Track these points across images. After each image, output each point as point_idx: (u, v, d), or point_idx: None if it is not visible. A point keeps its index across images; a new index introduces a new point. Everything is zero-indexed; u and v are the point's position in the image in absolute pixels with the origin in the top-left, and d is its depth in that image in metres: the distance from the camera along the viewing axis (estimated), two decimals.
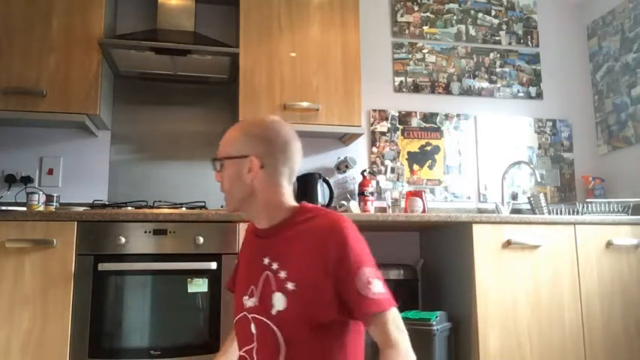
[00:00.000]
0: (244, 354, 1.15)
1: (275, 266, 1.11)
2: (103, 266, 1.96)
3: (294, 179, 1.21)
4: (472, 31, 3.21)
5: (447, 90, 3.12)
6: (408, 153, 3.00)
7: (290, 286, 1.06)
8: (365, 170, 2.78)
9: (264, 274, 1.12)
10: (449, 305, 2.43)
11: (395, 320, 1.05)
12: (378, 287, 1.04)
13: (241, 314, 1.17)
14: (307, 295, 1.04)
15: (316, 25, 2.63)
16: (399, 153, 2.99)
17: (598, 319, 2.30)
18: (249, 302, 1.14)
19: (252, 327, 1.12)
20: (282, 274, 1.08)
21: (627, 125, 2.98)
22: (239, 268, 1.30)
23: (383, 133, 2.99)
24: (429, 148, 3.04)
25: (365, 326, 1.07)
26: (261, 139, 1.15)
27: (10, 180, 2.52)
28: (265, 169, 1.14)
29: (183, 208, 2.33)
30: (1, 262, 1.90)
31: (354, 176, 2.90)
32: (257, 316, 1.11)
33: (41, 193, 2.32)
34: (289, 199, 1.17)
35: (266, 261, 1.13)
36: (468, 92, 3.14)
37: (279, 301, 1.07)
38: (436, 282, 2.62)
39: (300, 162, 1.21)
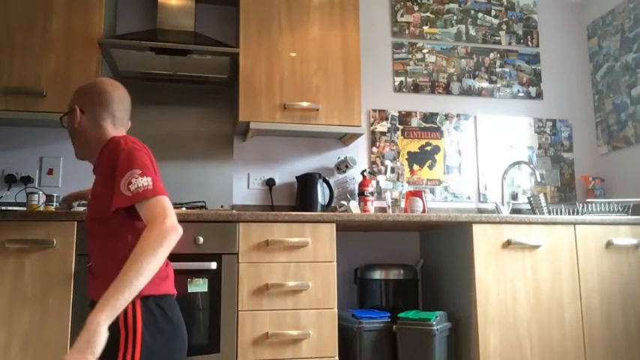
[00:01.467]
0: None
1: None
2: None
3: (122, 123, 1.47)
4: (472, 31, 3.21)
5: (447, 90, 3.12)
6: (408, 153, 3.00)
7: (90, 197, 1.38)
8: (365, 170, 2.78)
9: None
10: (449, 305, 2.43)
11: (152, 205, 1.23)
12: (137, 184, 1.24)
13: None
14: (95, 200, 1.33)
15: (316, 24, 2.63)
16: (399, 153, 2.99)
17: (598, 319, 2.30)
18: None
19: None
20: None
21: (627, 125, 2.98)
22: None
23: (383, 133, 2.99)
24: (429, 148, 3.04)
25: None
26: (82, 93, 1.45)
27: (10, 180, 2.52)
28: (86, 115, 1.43)
29: (183, 208, 2.33)
30: (1, 262, 1.90)
31: (354, 176, 2.90)
32: None
33: (41, 193, 2.32)
34: (108, 136, 1.41)
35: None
36: (468, 92, 3.14)
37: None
38: (436, 282, 2.62)
39: (124, 110, 1.47)
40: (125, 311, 1.18)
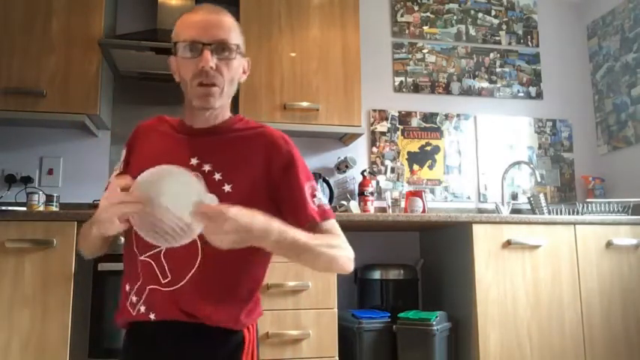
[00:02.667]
0: (147, 258, 1.05)
1: (207, 167, 1.06)
2: (103, 266, 1.96)
3: None
4: (472, 31, 3.21)
5: (447, 90, 3.12)
6: (408, 153, 3.00)
7: (227, 188, 1.04)
8: (365, 170, 2.78)
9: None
10: (449, 305, 2.43)
11: (337, 225, 1.12)
12: (323, 199, 1.13)
13: None
14: (242, 197, 1.02)
15: (316, 25, 2.63)
16: (399, 153, 2.99)
17: (598, 319, 2.30)
18: None
19: None
20: (217, 176, 1.05)
21: (627, 125, 2.98)
22: (141, 161, 1.10)
23: (383, 133, 2.99)
24: (429, 148, 3.04)
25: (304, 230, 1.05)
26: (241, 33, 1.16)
27: (10, 180, 2.51)
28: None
29: None
30: (1, 262, 1.90)
31: (354, 176, 2.90)
32: None
33: (41, 193, 2.32)
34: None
35: (194, 162, 1.07)
36: (468, 92, 3.14)
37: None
38: (436, 282, 2.62)
39: None
40: (248, 328, 1.08)
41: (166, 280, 1.02)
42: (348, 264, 1.08)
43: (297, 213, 1.08)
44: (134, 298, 1.06)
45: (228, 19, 1.12)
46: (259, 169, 1.08)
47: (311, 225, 1.07)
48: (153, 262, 1.04)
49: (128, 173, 1.06)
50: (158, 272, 1.03)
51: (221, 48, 1.07)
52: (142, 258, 1.06)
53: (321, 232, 1.07)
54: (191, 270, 1.02)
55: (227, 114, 1.17)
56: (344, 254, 1.07)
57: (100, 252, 1.16)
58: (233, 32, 1.10)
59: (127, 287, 1.08)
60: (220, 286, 1.04)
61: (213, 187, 1.01)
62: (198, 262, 1.02)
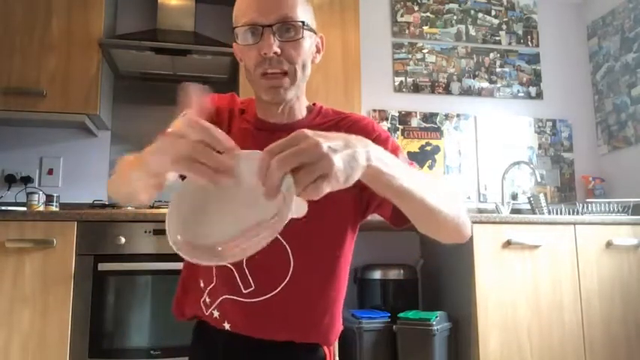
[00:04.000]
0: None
1: None
2: (103, 266, 1.96)
3: None
4: (472, 31, 3.21)
5: (447, 90, 3.12)
6: (408, 153, 3.00)
7: None
8: None
9: None
10: (449, 305, 2.43)
11: None
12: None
13: None
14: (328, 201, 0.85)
15: (316, 25, 2.63)
16: None
17: (598, 319, 2.30)
18: None
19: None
20: None
21: (627, 125, 2.98)
22: None
23: None
24: (429, 148, 3.04)
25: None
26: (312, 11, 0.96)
27: (10, 180, 2.51)
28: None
29: None
30: (1, 262, 1.90)
31: None
32: None
33: (41, 193, 2.32)
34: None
35: None
36: (468, 92, 3.14)
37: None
38: (436, 282, 2.62)
39: None
40: (329, 346, 0.97)
41: (248, 291, 0.90)
42: (468, 227, 0.86)
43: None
44: (208, 299, 0.95)
45: None
46: None
47: None
48: (234, 269, 0.90)
49: None
50: (239, 280, 0.90)
51: (285, 28, 0.90)
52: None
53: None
54: (282, 281, 0.89)
55: (304, 104, 1.00)
56: (464, 211, 0.85)
57: (138, 199, 0.81)
58: (299, 7, 0.91)
59: (202, 283, 0.96)
60: (309, 300, 0.92)
61: None
62: (290, 272, 0.89)
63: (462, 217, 0.83)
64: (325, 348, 0.96)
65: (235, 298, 0.91)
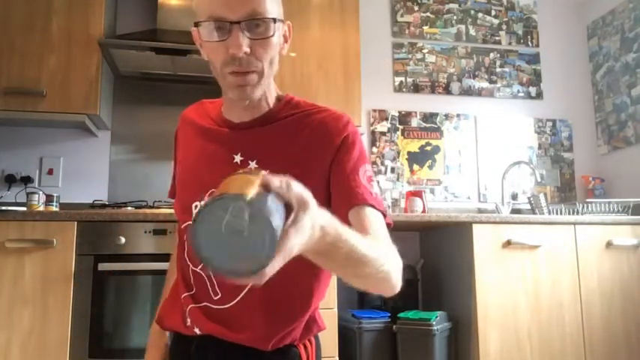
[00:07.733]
0: (200, 270, 0.95)
1: (253, 164, 0.91)
2: (103, 266, 1.96)
3: None
4: (472, 31, 3.21)
5: (447, 90, 3.12)
6: (408, 153, 3.00)
7: None
8: None
9: None
10: (449, 305, 2.43)
11: (385, 229, 0.93)
12: (376, 189, 0.92)
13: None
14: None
15: (316, 25, 2.63)
16: (399, 153, 2.99)
17: (598, 319, 2.30)
18: None
19: None
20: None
21: (627, 125, 2.98)
22: (181, 171, 1.03)
23: (383, 133, 2.98)
24: (429, 148, 3.04)
25: (345, 215, 0.88)
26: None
27: (10, 180, 2.51)
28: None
29: None
30: (1, 262, 1.90)
31: None
32: None
33: (41, 193, 2.32)
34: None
35: (237, 159, 0.93)
36: (468, 92, 3.14)
37: None
38: (436, 282, 2.62)
39: None
40: (305, 345, 0.96)
41: (217, 298, 0.92)
42: (396, 283, 0.88)
43: (349, 198, 0.88)
44: (185, 308, 0.97)
45: None
46: (319, 163, 0.91)
47: (356, 210, 0.87)
48: (205, 277, 0.93)
49: (177, 175, 1.04)
50: (209, 288, 0.93)
51: (254, 24, 0.84)
52: (194, 269, 0.95)
53: (366, 219, 0.88)
54: (243, 289, 0.89)
55: (272, 97, 0.97)
56: (398, 269, 0.87)
57: None
58: (267, 0, 0.85)
59: (183, 295, 0.98)
60: (275, 303, 0.91)
61: None
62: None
63: (390, 282, 0.85)
64: (300, 348, 0.95)
65: (208, 305, 0.93)
